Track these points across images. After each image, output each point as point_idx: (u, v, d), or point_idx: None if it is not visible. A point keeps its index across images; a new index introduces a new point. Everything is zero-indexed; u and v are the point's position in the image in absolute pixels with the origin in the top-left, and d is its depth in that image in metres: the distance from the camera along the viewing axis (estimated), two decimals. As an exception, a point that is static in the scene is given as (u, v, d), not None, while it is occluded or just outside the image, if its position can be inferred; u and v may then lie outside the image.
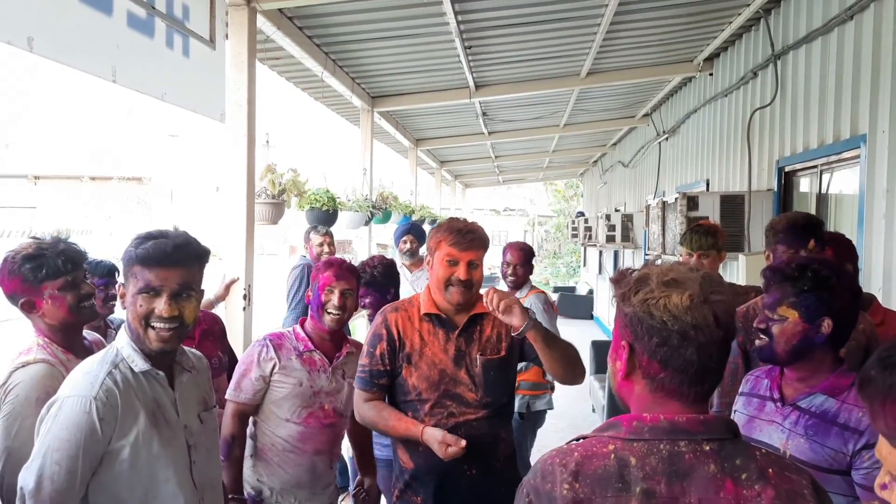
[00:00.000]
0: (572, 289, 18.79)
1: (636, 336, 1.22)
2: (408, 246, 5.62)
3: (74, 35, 2.25)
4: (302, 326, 2.75)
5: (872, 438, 1.71)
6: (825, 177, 4.42)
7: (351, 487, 3.13)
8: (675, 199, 5.21)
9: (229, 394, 2.63)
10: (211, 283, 2.86)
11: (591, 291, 16.17)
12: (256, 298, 3.98)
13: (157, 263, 1.69)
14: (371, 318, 3.34)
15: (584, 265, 18.75)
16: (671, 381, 1.20)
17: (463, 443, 2.15)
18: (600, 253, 13.92)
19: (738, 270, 4.79)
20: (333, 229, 5.28)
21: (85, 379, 1.66)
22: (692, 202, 5.03)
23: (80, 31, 2.28)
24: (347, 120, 7.64)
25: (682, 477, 1.15)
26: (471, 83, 6.54)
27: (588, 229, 12.64)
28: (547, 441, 6.77)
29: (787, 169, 4.87)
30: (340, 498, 2.92)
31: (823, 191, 4.45)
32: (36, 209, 28.79)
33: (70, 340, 2.13)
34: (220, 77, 3.43)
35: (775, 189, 4.99)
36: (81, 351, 2.11)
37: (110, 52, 2.46)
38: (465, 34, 5.15)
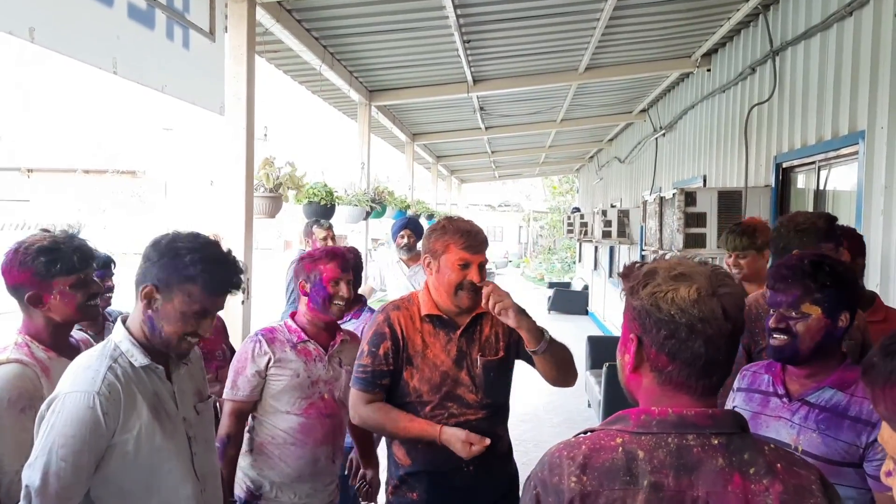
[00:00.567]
0: (567, 284, 18.82)
1: (644, 329, 1.22)
2: (405, 240, 5.61)
3: (75, 26, 2.24)
4: (292, 319, 2.74)
5: None
6: (823, 173, 4.44)
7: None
8: (673, 194, 5.22)
9: (226, 393, 2.60)
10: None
11: (586, 287, 16.20)
12: (253, 293, 3.97)
13: (221, 293, 1.77)
14: None
15: (580, 261, 18.78)
16: (679, 373, 1.21)
17: (487, 441, 2.17)
18: (596, 249, 13.94)
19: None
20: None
21: (86, 374, 1.65)
22: (690, 198, 5.03)
23: (81, 22, 2.27)
24: (345, 114, 7.62)
25: (690, 470, 1.15)
26: (469, 77, 6.54)
27: (584, 225, 12.65)
28: (543, 437, 6.80)
29: (784, 165, 4.89)
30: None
31: (821, 187, 4.46)
32: (29, 202, 28.68)
33: (58, 339, 2.07)
34: (219, 69, 3.42)
35: (773, 185, 5.00)
36: (67, 349, 2.07)
37: (111, 44, 2.44)
38: (465, 28, 5.14)
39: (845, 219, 4.06)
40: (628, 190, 10.96)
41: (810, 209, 4.53)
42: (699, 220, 4.93)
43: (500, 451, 2.38)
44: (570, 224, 14.77)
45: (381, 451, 2.73)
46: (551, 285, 18.79)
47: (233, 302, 3.79)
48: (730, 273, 1.27)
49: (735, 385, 2.10)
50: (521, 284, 24.32)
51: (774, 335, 1.88)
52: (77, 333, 2.26)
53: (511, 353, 2.41)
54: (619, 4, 4.89)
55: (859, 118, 3.81)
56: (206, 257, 1.73)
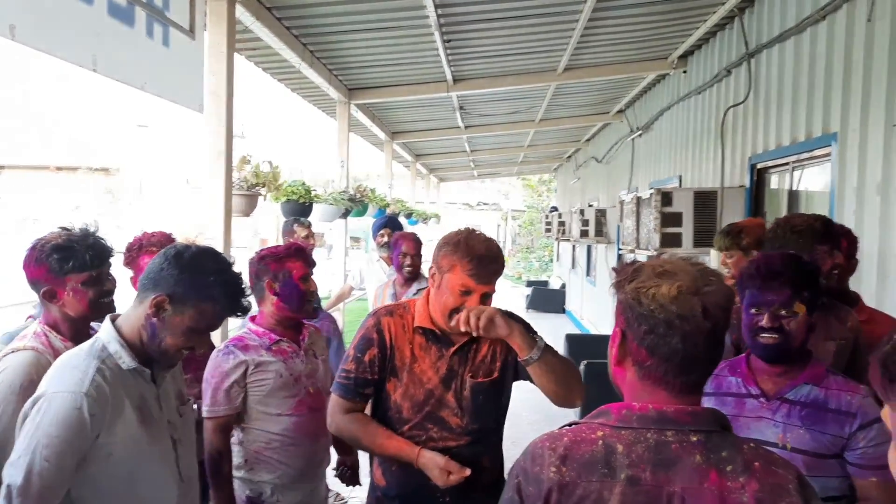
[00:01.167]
0: (545, 283, 18.93)
1: (628, 323, 1.26)
2: (385, 239, 5.61)
3: (56, 23, 2.21)
4: (254, 322, 2.68)
5: (864, 419, 1.80)
6: (797, 174, 4.52)
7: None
8: (650, 194, 5.28)
9: (206, 411, 2.53)
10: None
11: (563, 286, 16.30)
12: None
13: (232, 315, 1.83)
14: None
15: (557, 260, 18.89)
16: (657, 369, 1.23)
17: (467, 471, 2.00)
18: (573, 248, 14.04)
19: (710, 266, 4.87)
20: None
21: (73, 374, 1.64)
22: (666, 198, 5.10)
23: (62, 19, 2.25)
24: (324, 112, 7.60)
25: (668, 466, 1.17)
26: (449, 77, 6.55)
27: (561, 224, 12.74)
28: (521, 434, 6.82)
29: (759, 166, 4.97)
30: None
31: (795, 188, 4.55)
32: (0, 199, 28.15)
33: (78, 332, 2.14)
34: (198, 67, 3.39)
35: (748, 186, 5.08)
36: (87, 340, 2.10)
37: (91, 41, 2.42)
38: (445, 27, 5.16)
39: (818, 219, 4.13)
40: (605, 190, 11.06)
41: (784, 210, 4.61)
42: (675, 219, 5.00)
43: (484, 483, 2.15)
44: (547, 223, 14.86)
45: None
46: (529, 284, 18.88)
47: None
48: (720, 273, 1.29)
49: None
50: (499, 283, 24.34)
51: (765, 334, 1.89)
52: (97, 325, 2.27)
53: (508, 374, 2.21)
54: (598, 6, 4.93)
55: (832, 120, 3.89)
56: (228, 281, 1.77)
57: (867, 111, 3.52)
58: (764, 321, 1.88)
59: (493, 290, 2.11)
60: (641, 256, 5.25)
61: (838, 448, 1.82)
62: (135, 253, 2.88)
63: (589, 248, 12.32)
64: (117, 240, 2.37)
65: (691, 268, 1.26)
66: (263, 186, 4.32)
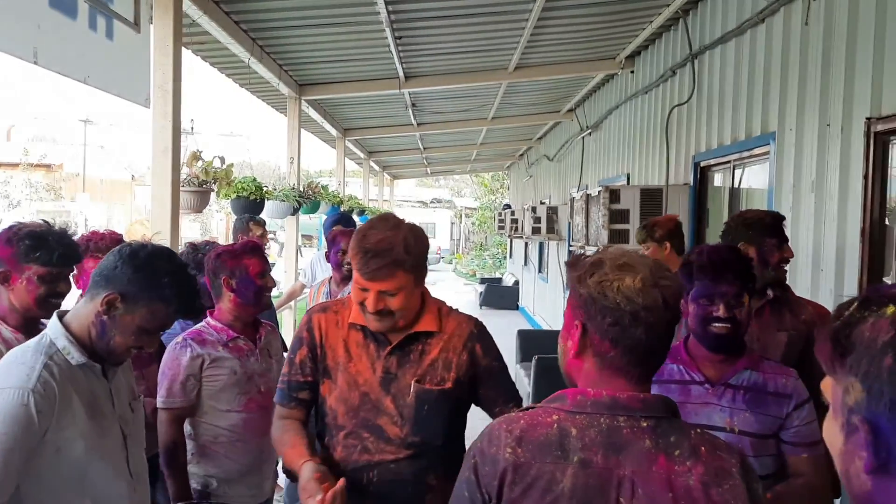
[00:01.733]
0: (499, 280, 19.08)
1: (589, 316, 1.28)
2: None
3: (-7, 13, 2.16)
4: (212, 317, 2.69)
5: (798, 400, 1.93)
6: (738, 172, 4.67)
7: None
8: (599, 191, 5.39)
9: (161, 402, 2.53)
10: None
11: (516, 283, 16.46)
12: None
13: (185, 315, 1.84)
14: None
15: (511, 257, 19.06)
16: (620, 359, 1.27)
17: (318, 498, 1.65)
18: (526, 245, 14.19)
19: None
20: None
21: (20, 370, 1.61)
22: (614, 195, 5.21)
23: (1, 10, 2.19)
24: (275, 108, 7.52)
25: (619, 450, 1.22)
26: (400, 73, 6.56)
27: (514, 221, 12.86)
28: (475, 429, 6.86)
29: (702, 164, 5.12)
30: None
31: (736, 185, 4.70)
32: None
33: (28, 323, 2.14)
34: (144, 61, 3.34)
35: (692, 183, 5.23)
36: (36, 333, 2.05)
37: (31, 33, 2.36)
38: (396, 24, 5.16)
39: (757, 215, 4.29)
40: (557, 187, 11.21)
41: (726, 207, 4.77)
42: (623, 216, 5.11)
43: None
44: (500, 221, 14.98)
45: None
46: (483, 281, 19.01)
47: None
48: (669, 267, 1.35)
49: None
50: (453, 280, 24.48)
51: (718, 324, 1.94)
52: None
53: (463, 390, 1.96)
54: (547, 6, 5.01)
55: (770, 120, 4.04)
56: (182, 282, 1.75)
57: (802, 111, 3.66)
58: (720, 311, 1.94)
59: (393, 290, 1.82)
60: (591, 252, 5.36)
61: (777, 428, 1.93)
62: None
63: (541, 245, 12.47)
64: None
65: (647, 261, 1.31)
66: (215, 182, 4.26)
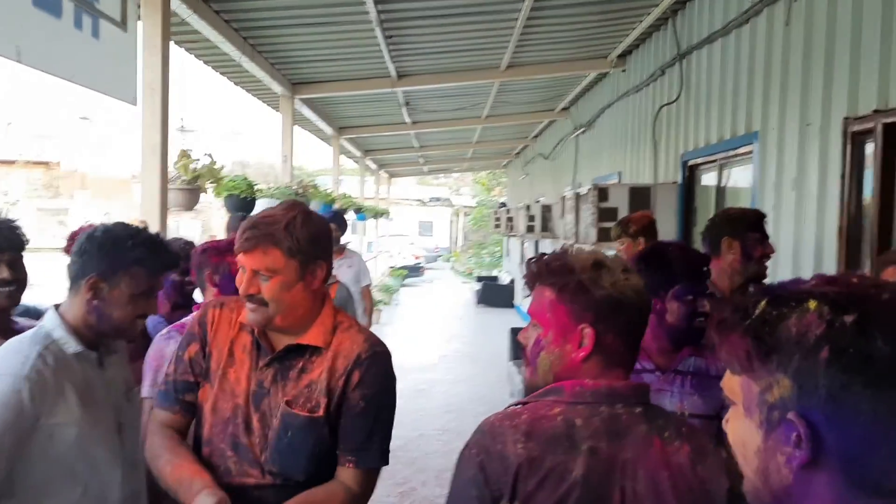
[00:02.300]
0: (494, 278, 19.12)
1: (602, 317, 1.33)
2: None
3: (-25, 12, 2.19)
4: (196, 310, 2.72)
5: None
6: (724, 171, 4.71)
7: None
8: (588, 190, 5.43)
9: (146, 391, 2.44)
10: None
11: (512, 281, 16.51)
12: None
13: (162, 272, 1.87)
14: None
15: (507, 255, 19.10)
16: (625, 352, 1.37)
17: None
18: (522, 243, 14.23)
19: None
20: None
21: (15, 358, 1.66)
22: (603, 194, 5.25)
23: (-18, 9, 2.22)
24: (269, 106, 7.55)
25: (620, 436, 1.29)
26: (392, 72, 6.59)
27: (510, 220, 12.90)
28: (466, 426, 6.92)
29: (690, 163, 5.16)
30: None
31: (723, 184, 4.74)
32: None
33: None
34: (131, 59, 3.36)
35: (680, 182, 5.27)
36: (10, 333, 2.06)
37: (14, 31, 2.39)
38: (386, 24, 5.19)
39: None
40: (552, 185, 11.25)
41: (713, 205, 4.81)
42: (611, 214, 5.15)
43: None
44: (497, 219, 15.02)
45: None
46: (479, 279, 19.06)
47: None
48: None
49: None
50: (450, 279, 24.54)
51: (700, 318, 2.02)
52: (23, 321, 2.25)
53: (333, 421, 1.67)
54: (536, 5, 5.04)
55: (754, 119, 4.07)
56: (145, 240, 1.81)
57: (784, 111, 3.70)
58: (706, 307, 2.03)
59: (265, 269, 1.61)
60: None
61: (720, 409, 1.99)
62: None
63: (536, 244, 12.51)
64: (60, 234, 2.34)
65: (620, 259, 1.44)
66: (199, 181, 4.30)
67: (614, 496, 1.25)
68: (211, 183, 4.53)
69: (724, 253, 2.62)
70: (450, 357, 10.28)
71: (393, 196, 21.02)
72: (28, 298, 2.33)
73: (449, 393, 8.04)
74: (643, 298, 1.37)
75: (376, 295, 12.40)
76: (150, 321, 2.77)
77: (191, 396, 1.75)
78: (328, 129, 9.36)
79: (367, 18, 4.97)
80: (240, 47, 5.15)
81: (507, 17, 5.32)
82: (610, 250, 3.29)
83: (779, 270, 3.58)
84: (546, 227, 10.11)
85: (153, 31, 3.71)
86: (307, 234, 1.64)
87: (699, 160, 5.00)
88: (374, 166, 15.22)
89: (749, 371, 0.79)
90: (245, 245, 1.62)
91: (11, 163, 27.35)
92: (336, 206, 8.29)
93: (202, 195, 4.48)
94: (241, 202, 5.17)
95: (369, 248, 16.70)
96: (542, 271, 1.42)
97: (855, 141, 3.09)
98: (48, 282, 2.69)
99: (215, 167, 4.52)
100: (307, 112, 7.87)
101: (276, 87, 6.48)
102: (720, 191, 4.76)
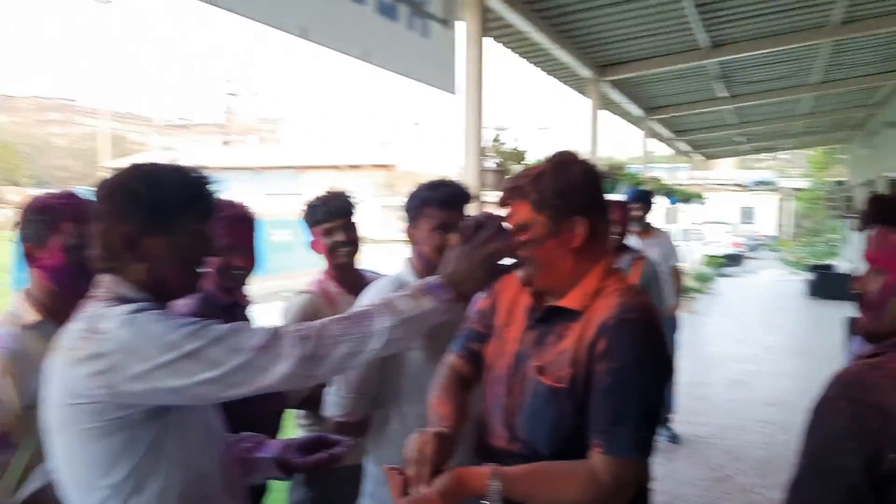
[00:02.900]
0: (828, 267, 17.01)
1: None
2: (637, 213, 5.62)
3: (337, 23, 2.70)
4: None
5: None
6: None
7: None
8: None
9: None
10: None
11: (853, 270, 14.53)
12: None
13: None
14: None
15: (846, 241, 16.86)
16: None
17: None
18: (864, 226, 12.46)
19: None
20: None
21: (375, 289, 2.12)
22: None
23: (342, 20, 2.72)
24: (576, 91, 7.74)
25: None
26: (706, 43, 6.30)
27: (848, 200, 11.42)
28: (792, 421, 6.35)
29: None
30: None
31: None
32: (301, 196, 32.75)
33: (348, 278, 2.57)
34: (453, 54, 3.79)
35: None
36: (357, 287, 2.41)
37: (363, 36, 2.89)
38: (696, -9, 5.01)
39: None
40: (902, 157, 9.68)
41: None
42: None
43: None
44: (832, 200, 13.38)
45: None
46: (812, 268, 17.13)
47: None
48: None
49: None
50: (775, 269, 22.45)
51: None
52: (370, 273, 2.68)
53: (581, 396, 1.47)
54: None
55: None
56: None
57: None
58: None
59: (517, 226, 1.54)
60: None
61: None
62: None
63: (882, 226, 10.88)
64: (397, 228, 2.68)
65: None
66: (514, 162, 4.63)
67: None
68: (515, 164, 4.84)
69: None
70: (773, 349, 9.46)
71: (710, 180, 19.89)
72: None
73: (772, 386, 7.44)
74: None
75: (690, 283, 11.92)
76: None
77: (475, 345, 1.75)
78: (637, 111, 9.25)
79: (674, -12, 4.85)
80: (549, 35, 5.40)
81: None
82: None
83: None
84: (894, 204, 8.76)
85: (472, 28, 4.10)
86: (557, 187, 1.50)
87: None
88: (686, 148, 14.59)
89: None
90: (504, 199, 1.58)
91: (358, 167, 31.89)
92: (645, 188, 8.19)
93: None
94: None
95: (683, 236, 16.07)
96: (887, 211, 1.31)
97: None
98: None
99: (520, 150, 4.83)
100: (615, 95, 7.89)
101: (584, 71, 6.62)
102: None
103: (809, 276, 15.53)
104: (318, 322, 1.39)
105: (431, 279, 1.46)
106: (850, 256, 15.47)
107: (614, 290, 1.51)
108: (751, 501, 4.47)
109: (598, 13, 5.37)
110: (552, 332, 1.54)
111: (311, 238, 2.61)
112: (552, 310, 1.55)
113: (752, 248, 28.67)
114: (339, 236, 2.54)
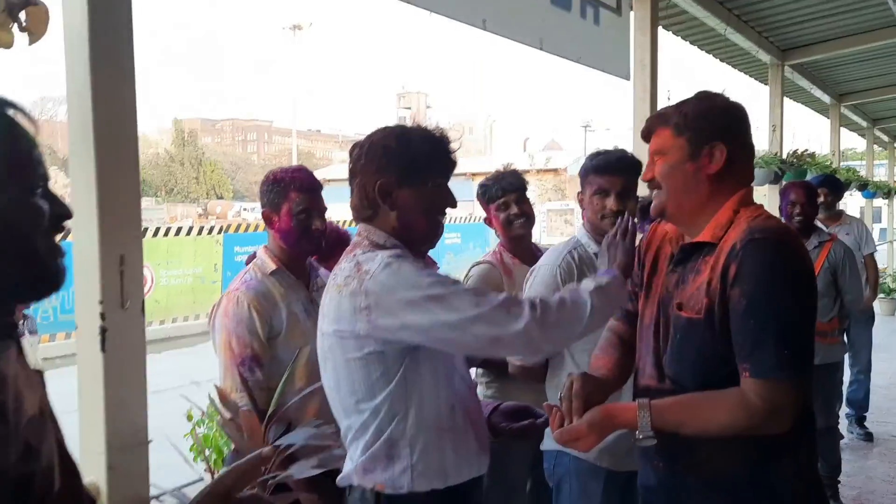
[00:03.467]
0: None
1: None
2: (820, 199, 5.33)
3: (514, 14, 2.92)
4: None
5: None
6: None
7: None
8: None
9: None
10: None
11: None
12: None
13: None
14: None
15: None
16: None
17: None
18: None
19: None
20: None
21: (554, 253, 2.30)
22: None
23: (518, 11, 2.95)
24: (754, 78, 7.42)
25: None
26: (902, 17, 5.82)
27: None
28: None
29: None
30: None
31: None
32: (471, 201, 33.67)
33: (522, 251, 2.77)
34: (625, 41, 3.90)
35: None
36: (530, 259, 2.65)
37: (538, 26, 3.09)
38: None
39: None
40: None
41: None
42: None
43: None
44: None
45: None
46: None
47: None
48: None
49: None
50: None
51: None
52: (542, 246, 2.91)
53: (718, 325, 1.50)
54: None
55: None
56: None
57: None
58: None
59: (657, 153, 1.58)
60: None
61: None
62: None
63: None
64: (567, 231, 2.88)
65: None
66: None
67: None
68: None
69: None
70: None
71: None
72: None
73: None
74: None
75: (891, 284, 10.85)
76: None
77: (630, 305, 1.78)
78: (825, 98, 8.65)
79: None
80: (725, 19, 5.28)
81: None
82: None
83: None
84: None
85: (643, 15, 4.16)
86: (700, 110, 1.53)
87: None
88: (885, 138, 13.30)
89: None
90: (646, 130, 1.62)
91: (527, 171, 32.18)
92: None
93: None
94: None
95: (881, 236, 14.61)
96: None
97: None
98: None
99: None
100: (799, 80, 7.46)
101: (764, 56, 6.36)
102: None
103: None
104: (551, 298, 1.55)
105: (601, 270, 1.71)
106: None
107: (745, 217, 1.49)
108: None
109: (780, -8, 5.18)
110: (690, 269, 1.55)
111: (487, 215, 2.84)
112: (688, 248, 1.57)
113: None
114: (513, 210, 2.73)
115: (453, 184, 1.70)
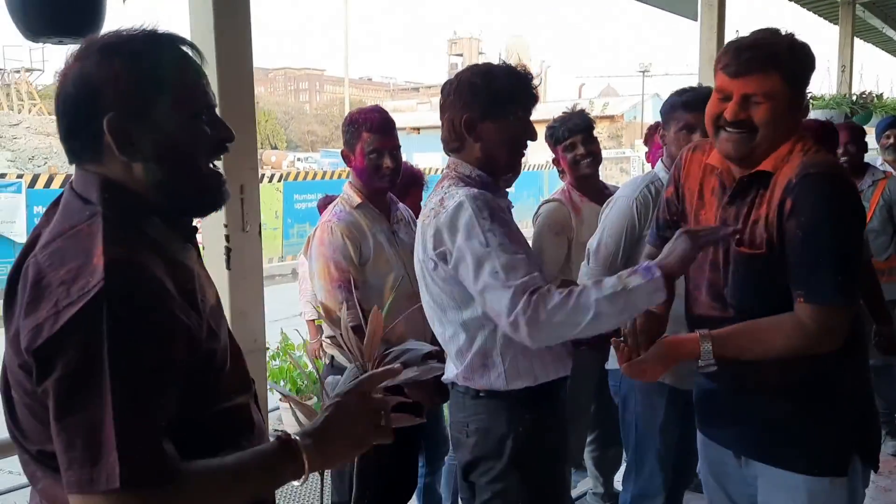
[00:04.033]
0: None
1: None
2: (891, 141, 5.25)
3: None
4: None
5: None
6: None
7: None
8: None
9: None
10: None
11: None
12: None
13: None
14: None
15: None
16: None
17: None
18: None
19: None
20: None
21: (632, 185, 2.39)
22: None
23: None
24: (824, 17, 7.19)
25: None
26: None
27: None
28: None
29: None
30: None
31: None
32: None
33: (590, 188, 2.89)
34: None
35: None
36: (599, 196, 2.81)
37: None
38: None
39: None
40: None
41: None
42: None
43: None
44: None
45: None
46: None
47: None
48: None
49: None
50: None
51: None
52: (611, 186, 3.03)
53: (779, 260, 1.58)
54: None
55: None
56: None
57: None
58: None
59: (760, 93, 1.52)
60: None
61: None
62: None
63: None
64: (622, 180, 2.84)
65: None
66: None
67: None
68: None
69: None
70: None
71: None
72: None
73: None
74: None
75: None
76: None
77: (668, 233, 1.75)
78: (898, 37, 8.32)
79: None
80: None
81: None
82: None
83: None
84: None
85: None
86: (808, 63, 1.57)
87: None
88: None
89: None
90: (742, 68, 1.51)
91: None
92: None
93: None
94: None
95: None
96: None
97: None
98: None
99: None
100: (871, 19, 7.19)
101: (835, -6, 6.18)
102: None
103: None
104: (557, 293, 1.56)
105: (644, 262, 1.62)
106: None
107: (799, 151, 1.54)
108: None
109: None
110: (748, 203, 1.58)
111: (555, 156, 2.95)
112: (744, 182, 1.59)
113: None
114: (580, 150, 2.83)
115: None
